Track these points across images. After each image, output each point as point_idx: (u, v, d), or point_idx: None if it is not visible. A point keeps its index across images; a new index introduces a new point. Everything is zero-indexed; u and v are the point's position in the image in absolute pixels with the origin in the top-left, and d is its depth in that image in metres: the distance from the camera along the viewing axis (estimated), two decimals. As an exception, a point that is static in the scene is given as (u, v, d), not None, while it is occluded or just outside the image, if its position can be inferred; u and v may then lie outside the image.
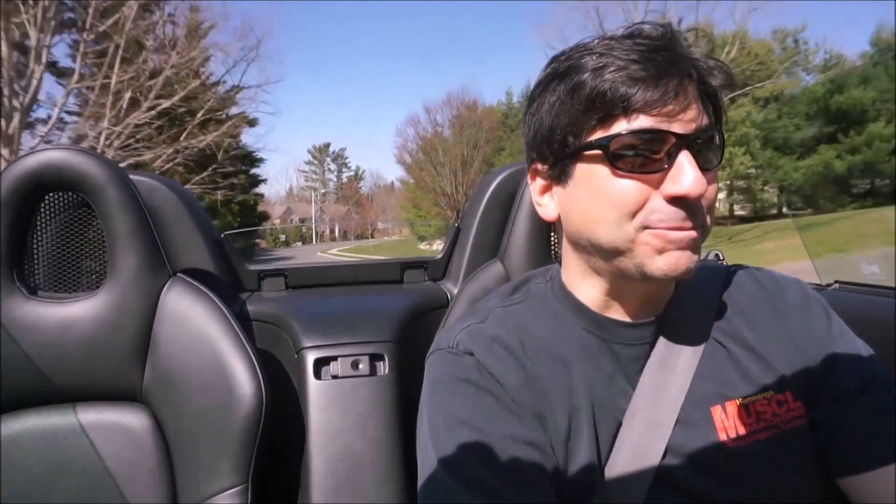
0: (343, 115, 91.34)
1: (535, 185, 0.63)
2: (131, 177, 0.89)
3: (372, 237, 38.08)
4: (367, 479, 0.90)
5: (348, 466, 0.90)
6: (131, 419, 0.85)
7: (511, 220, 0.98)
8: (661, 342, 0.60)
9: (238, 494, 0.82)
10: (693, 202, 0.51)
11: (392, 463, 0.92)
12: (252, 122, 16.71)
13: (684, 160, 0.51)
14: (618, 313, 0.61)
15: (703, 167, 0.52)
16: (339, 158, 53.63)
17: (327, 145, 52.21)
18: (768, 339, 0.60)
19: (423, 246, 22.72)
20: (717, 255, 1.12)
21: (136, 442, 0.84)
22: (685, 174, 0.50)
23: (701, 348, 0.59)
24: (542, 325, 0.62)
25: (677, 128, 0.51)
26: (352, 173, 53.08)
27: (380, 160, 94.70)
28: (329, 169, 54.52)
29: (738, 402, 0.57)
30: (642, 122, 0.51)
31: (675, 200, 0.51)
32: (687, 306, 0.62)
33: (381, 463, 0.91)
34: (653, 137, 0.51)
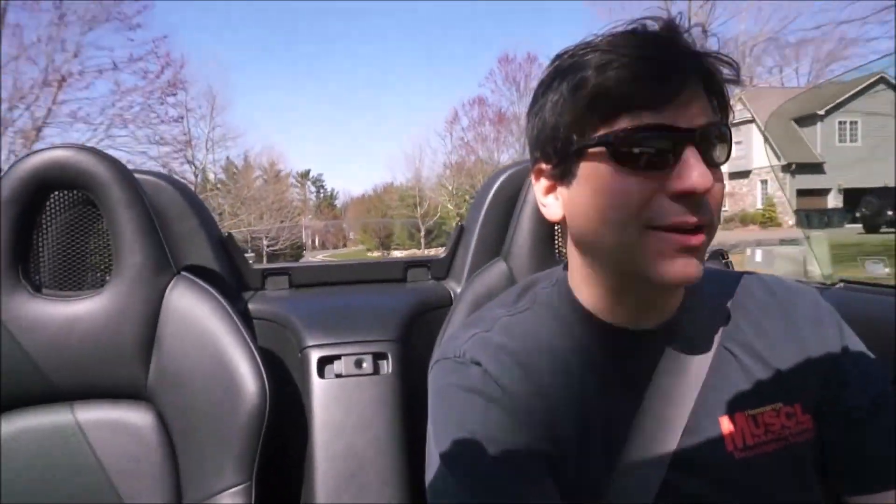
0: (319, 139, 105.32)
1: (539, 185, 0.61)
2: (136, 175, 0.89)
3: (345, 246, 47.84)
4: (370, 477, 0.91)
5: (351, 465, 0.91)
6: (135, 417, 0.85)
7: (514, 220, 0.98)
8: (670, 350, 0.58)
9: (242, 493, 0.82)
10: (699, 198, 0.50)
11: (395, 461, 0.92)
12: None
13: (690, 156, 0.49)
14: (624, 320, 0.59)
15: (710, 163, 0.51)
16: (317, 182, 66.75)
17: (307, 171, 57.22)
18: (779, 349, 0.59)
19: (368, 254, 39.39)
20: (721, 254, 1.07)
21: (139, 440, 0.84)
22: (691, 170, 0.49)
23: (710, 357, 0.58)
24: (549, 333, 0.61)
25: (682, 123, 0.50)
26: (328, 193, 68.74)
27: (352, 177, 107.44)
28: (310, 191, 68.17)
29: (746, 412, 0.56)
30: (647, 118, 0.50)
31: (681, 197, 0.50)
32: (696, 314, 0.60)
33: (385, 461, 0.92)
34: (658, 134, 0.50)
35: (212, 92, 21.06)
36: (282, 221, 25.30)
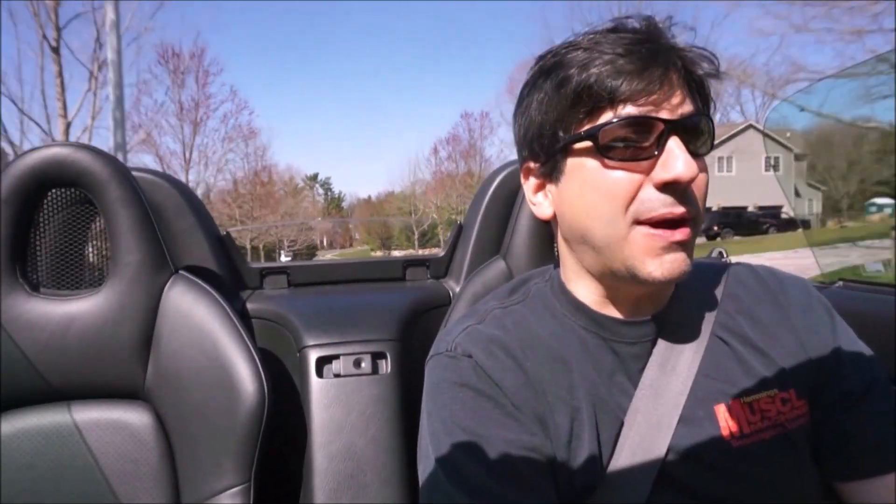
0: (327, 144, 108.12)
1: (528, 184, 0.62)
2: (134, 173, 0.88)
3: (351, 246, 51.23)
4: (369, 477, 0.90)
5: (350, 465, 0.91)
6: (133, 417, 0.84)
7: (513, 218, 0.97)
8: (662, 341, 0.59)
9: (240, 493, 0.82)
10: (684, 188, 0.51)
11: (394, 462, 0.92)
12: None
13: (674, 145, 0.50)
14: (616, 312, 0.60)
15: (693, 154, 0.52)
16: (325, 185, 62.72)
17: (315, 175, 59.51)
18: (771, 335, 0.59)
19: (372, 253, 44.01)
20: (720, 253, 1.08)
21: (137, 440, 0.84)
22: (675, 159, 0.50)
23: (703, 346, 0.58)
24: (542, 325, 0.61)
25: (665, 114, 0.51)
26: (335, 196, 64.12)
27: (359, 179, 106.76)
28: (318, 193, 62.95)
29: (742, 400, 0.56)
30: (630, 111, 0.51)
31: (667, 187, 0.51)
32: (688, 304, 0.61)
33: (384, 461, 0.91)
34: (641, 124, 0.51)
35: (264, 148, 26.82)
36: (300, 229, 30.47)
